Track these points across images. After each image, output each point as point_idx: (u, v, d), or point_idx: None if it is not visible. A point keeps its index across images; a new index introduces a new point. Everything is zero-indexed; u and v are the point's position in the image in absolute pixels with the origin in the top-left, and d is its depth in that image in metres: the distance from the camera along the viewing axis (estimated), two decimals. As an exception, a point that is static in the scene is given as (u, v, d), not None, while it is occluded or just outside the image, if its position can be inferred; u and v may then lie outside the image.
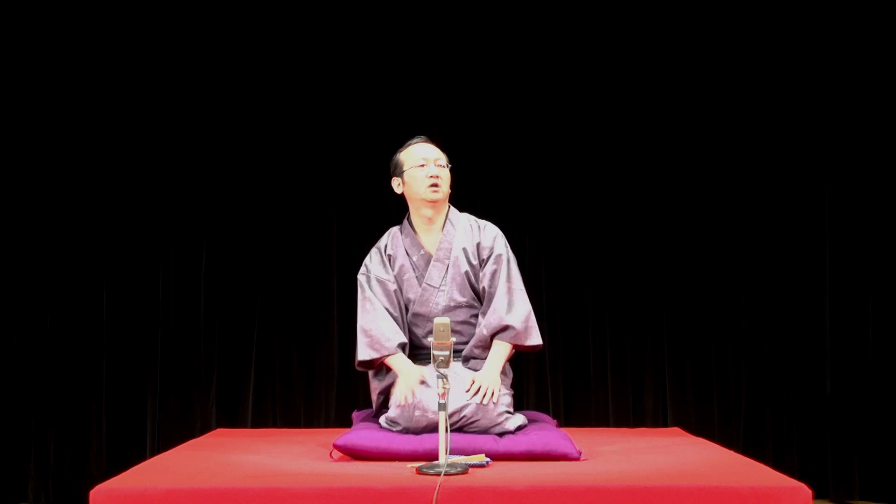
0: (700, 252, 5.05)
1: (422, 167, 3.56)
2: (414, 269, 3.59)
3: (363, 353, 3.47)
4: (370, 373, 3.57)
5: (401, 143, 4.97)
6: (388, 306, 3.53)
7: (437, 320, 2.92)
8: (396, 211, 4.91)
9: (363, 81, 5.09)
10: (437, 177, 3.55)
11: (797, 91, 5.04)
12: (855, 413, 4.91)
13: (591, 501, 2.61)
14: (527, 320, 3.50)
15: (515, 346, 3.50)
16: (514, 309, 3.49)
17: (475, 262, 3.57)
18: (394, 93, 5.09)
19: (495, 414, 3.29)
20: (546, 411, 4.68)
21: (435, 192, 3.54)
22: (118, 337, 4.98)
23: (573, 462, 3.08)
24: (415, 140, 3.68)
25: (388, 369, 3.47)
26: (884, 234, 4.95)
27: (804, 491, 2.65)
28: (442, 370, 2.86)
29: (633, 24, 5.09)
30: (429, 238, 3.61)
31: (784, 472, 3.08)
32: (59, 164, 5.01)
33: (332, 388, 5.02)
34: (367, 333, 3.48)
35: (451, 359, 2.90)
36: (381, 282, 3.57)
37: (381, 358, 3.45)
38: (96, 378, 4.94)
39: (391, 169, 3.69)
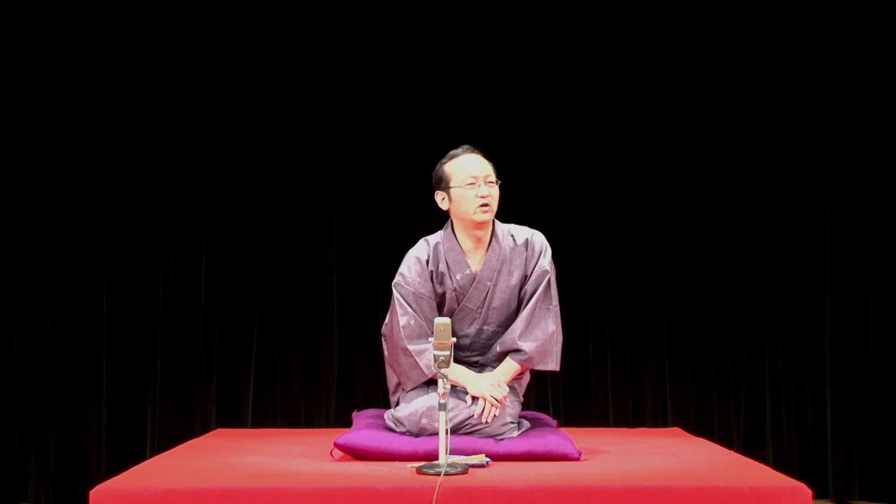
0: (700, 252, 5.05)
1: (471, 185, 3.33)
2: (456, 290, 3.40)
3: (431, 370, 3.23)
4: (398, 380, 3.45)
5: (400, 144, 5.03)
6: (425, 325, 3.35)
7: (437, 320, 2.89)
8: (396, 211, 4.95)
9: (363, 82, 5.09)
10: (489, 196, 3.33)
11: (797, 91, 5.04)
12: (855, 413, 4.91)
13: (591, 501, 2.61)
14: (544, 345, 3.35)
15: (527, 368, 3.42)
16: (532, 333, 3.35)
17: (520, 282, 3.41)
18: (393, 93, 5.09)
19: (500, 424, 3.24)
20: (546, 411, 4.67)
21: (485, 212, 3.33)
22: (118, 337, 4.98)
23: (573, 462, 3.07)
24: (461, 151, 3.42)
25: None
26: (884, 234, 4.96)
27: (804, 491, 2.64)
28: (442, 370, 2.85)
29: (634, 24, 5.09)
30: (474, 257, 3.41)
31: (784, 472, 3.08)
32: (59, 165, 5.01)
33: (332, 388, 5.02)
34: (420, 354, 3.30)
35: (451, 359, 2.88)
36: (420, 297, 3.37)
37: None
38: (96, 378, 4.94)
39: (434, 181, 3.43)
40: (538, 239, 3.47)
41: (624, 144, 5.10)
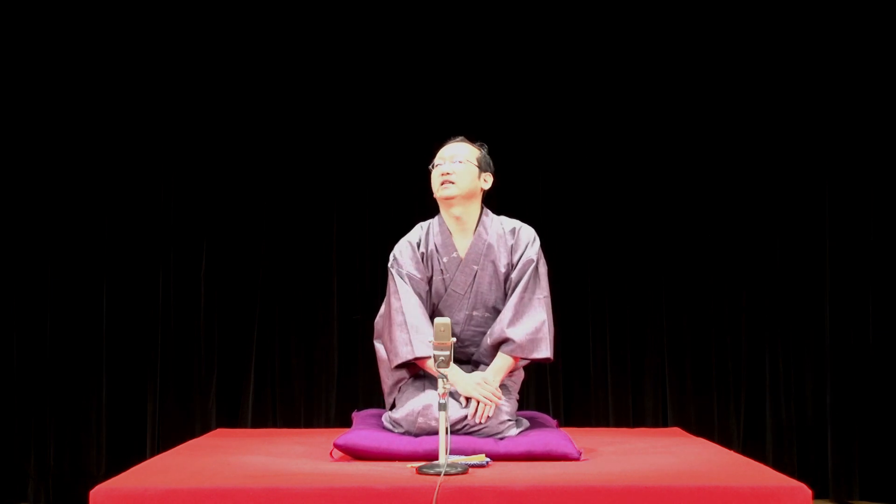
0: (700, 252, 5.06)
1: (437, 166, 3.44)
2: (443, 272, 3.45)
3: (420, 349, 3.27)
4: (390, 369, 3.42)
5: (400, 144, 5.04)
6: (421, 305, 3.39)
7: (437, 320, 2.88)
8: (396, 212, 4.95)
9: (363, 82, 5.09)
10: (447, 173, 3.38)
11: (797, 91, 5.04)
12: (855, 413, 4.91)
13: (591, 501, 2.61)
14: (534, 333, 3.33)
15: (519, 359, 3.40)
16: (520, 321, 3.34)
17: (506, 270, 3.42)
18: (393, 93, 5.10)
19: (497, 422, 3.24)
20: (546, 411, 4.68)
21: (444, 188, 3.39)
22: (118, 337, 4.98)
23: (573, 462, 3.07)
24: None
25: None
26: (884, 234, 4.96)
27: (804, 491, 2.64)
28: (442, 370, 2.85)
29: (634, 24, 5.10)
30: (461, 240, 3.45)
31: (784, 472, 3.08)
32: (59, 165, 5.01)
33: (332, 389, 5.03)
34: (416, 330, 3.31)
35: (451, 360, 2.88)
36: (413, 278, 3.42)
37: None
38: (96, 378, 4.94)
39: None
40: (526, 230, 3.50)
41: (624, 144, 5.10)
